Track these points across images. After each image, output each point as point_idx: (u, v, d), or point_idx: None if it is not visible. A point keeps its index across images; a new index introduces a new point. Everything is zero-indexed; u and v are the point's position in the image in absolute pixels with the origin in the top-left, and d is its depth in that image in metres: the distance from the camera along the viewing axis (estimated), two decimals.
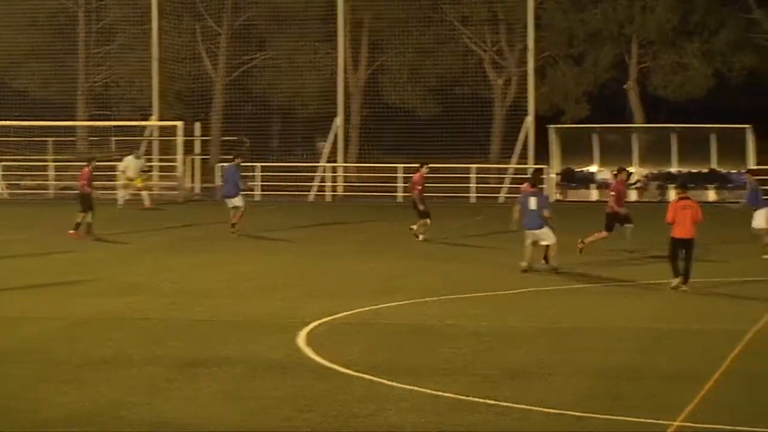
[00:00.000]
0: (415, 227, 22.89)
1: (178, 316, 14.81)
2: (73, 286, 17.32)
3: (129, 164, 30.33)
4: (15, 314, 14.77)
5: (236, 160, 24.71)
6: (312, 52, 36.64)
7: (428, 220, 22.97)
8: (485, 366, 11.60)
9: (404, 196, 32.44)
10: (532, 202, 18.09)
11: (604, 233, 20.12)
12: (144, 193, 30.17)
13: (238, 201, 23.38)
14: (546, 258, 18.23)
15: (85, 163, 24.28)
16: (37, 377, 11.22)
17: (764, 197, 21.04)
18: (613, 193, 20.60)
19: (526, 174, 32.57)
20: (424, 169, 24.02)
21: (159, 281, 17.85)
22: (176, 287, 17.28)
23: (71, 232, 22.74)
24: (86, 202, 22.87)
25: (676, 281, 16.11)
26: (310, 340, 12.95)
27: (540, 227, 18.00)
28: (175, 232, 25.03)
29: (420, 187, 23.11)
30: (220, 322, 14.30)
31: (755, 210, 20.37)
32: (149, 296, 16.42)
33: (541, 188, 20.61)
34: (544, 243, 18.09)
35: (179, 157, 33.26)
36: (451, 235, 23.99)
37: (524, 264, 17.92)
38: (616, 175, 21.49)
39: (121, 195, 30.42)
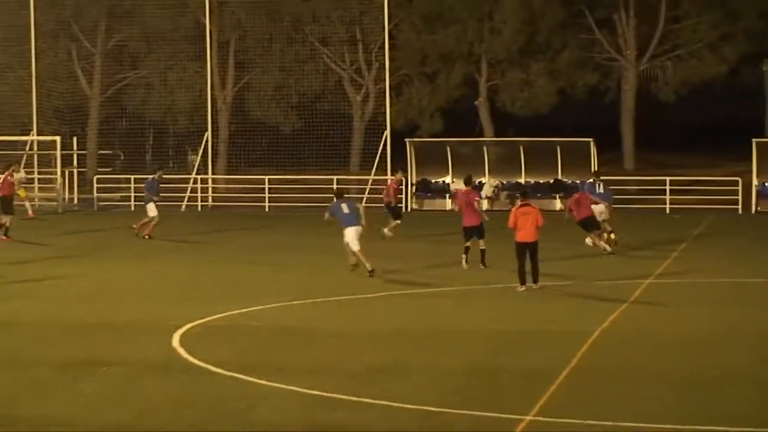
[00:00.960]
0: (386, 229, 24.76)
1: (60, 320, 15.18)
2: None
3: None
4: None
5: (158, 173, 27.09)
6: (182, 71, 38.10)
7: (399, 222, 25.34)
8: (349, 365, 12.00)
9: (270, 206, 34.70)
10: (345, 208, 19.46)
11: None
12: (27, 203, 31.25)
13: (152, 210, 25.48)
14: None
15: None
16: None
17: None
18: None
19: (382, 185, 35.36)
20: (399, 175, 27.43)
21: (43, 287, 18.32)
22: (58, 292, 17.82)
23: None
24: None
25: (522, 288, 17.12)
26: (184, 341, 13.28)
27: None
28: (57, 240, 25.64)
29: (393, 192, 25.82)
30: (100, 326, 14.67)
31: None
32: (34, 301, 16.84)
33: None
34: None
35: (58, 169, 34.48)
36: (310, 243, 25.33)
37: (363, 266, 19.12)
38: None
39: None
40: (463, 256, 20.12)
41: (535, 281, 17.28)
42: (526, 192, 20.26)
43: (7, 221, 25.48)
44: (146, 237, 25.43)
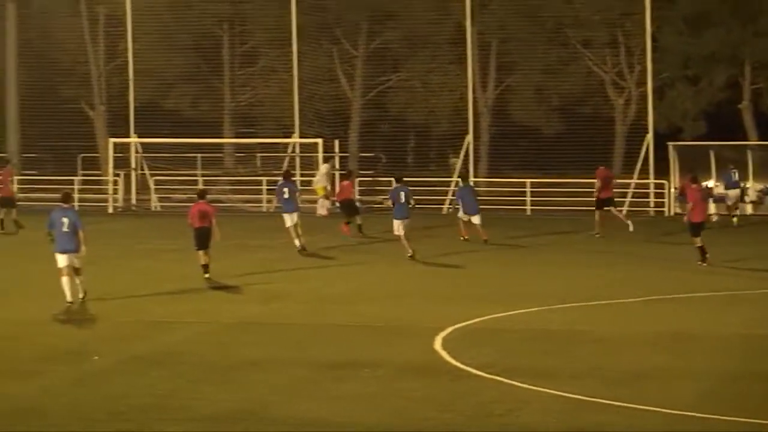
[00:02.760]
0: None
1: (319, 321, 15.53)
2: (216, 293, 18.40)
3: (321, 174, 32.52)
4: (165, 319, 15.80)
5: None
6: (443, 74, 38.31)
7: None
8: (608, 369, 12.18)
9: (532, 209, 34.38)
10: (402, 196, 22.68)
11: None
12: (322, 201, 31.84)
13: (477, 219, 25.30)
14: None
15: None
16: (188, 378, 11.83)
17: None
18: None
19: (647, 188, 34.57)
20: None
21: (297, 289, 18.70)
22: (314, 294, 18.17)
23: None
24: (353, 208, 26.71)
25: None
26: (447, 344, 13.55)
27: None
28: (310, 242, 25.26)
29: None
30: (358, 327, 15.04)
31: None
32: (289, 302, 17.31)
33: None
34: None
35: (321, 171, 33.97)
36: (576, 243, 26.03)
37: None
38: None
39: (321, 205, 32.13)
40: (704, 255, 20.91)
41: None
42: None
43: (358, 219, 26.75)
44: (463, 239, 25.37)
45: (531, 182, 34.94)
